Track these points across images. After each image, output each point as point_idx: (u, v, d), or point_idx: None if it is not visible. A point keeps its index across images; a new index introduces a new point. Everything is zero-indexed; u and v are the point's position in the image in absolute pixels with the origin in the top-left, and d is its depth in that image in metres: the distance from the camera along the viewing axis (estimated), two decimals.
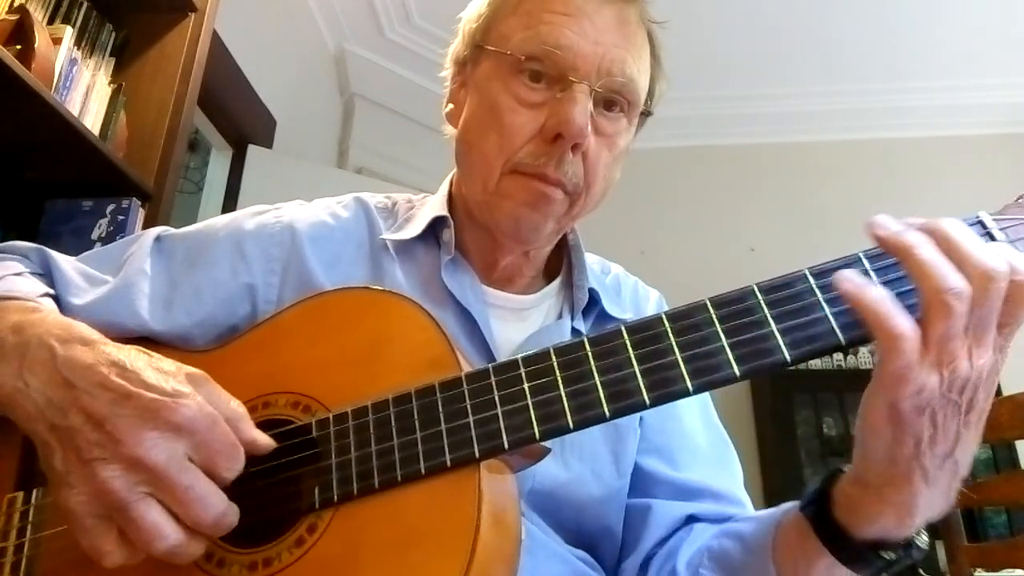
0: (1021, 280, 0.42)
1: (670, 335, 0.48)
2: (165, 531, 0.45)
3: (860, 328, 0.44)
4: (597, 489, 0.70)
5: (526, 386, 0.50)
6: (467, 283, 0.73)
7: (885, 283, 0.45)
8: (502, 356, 0.68)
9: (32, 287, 0.64)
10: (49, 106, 1.28)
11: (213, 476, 0.47)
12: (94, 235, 1.48)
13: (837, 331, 0.45)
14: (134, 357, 0.49)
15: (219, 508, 0.46)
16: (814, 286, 0.47)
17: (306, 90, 3.09)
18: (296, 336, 0.60)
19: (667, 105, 0.78)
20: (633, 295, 0.86)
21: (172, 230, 0.76)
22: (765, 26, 3.06)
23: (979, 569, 1.44)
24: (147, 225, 1.49)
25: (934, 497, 0.46)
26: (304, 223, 0.75)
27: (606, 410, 0.47)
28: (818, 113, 3.49)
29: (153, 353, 0.51)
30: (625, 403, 0.47)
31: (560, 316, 0.78)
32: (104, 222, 1.49)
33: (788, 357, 0.46)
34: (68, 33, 1.43)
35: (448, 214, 0.76)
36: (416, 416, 0.51)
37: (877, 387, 0.44)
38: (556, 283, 0.80)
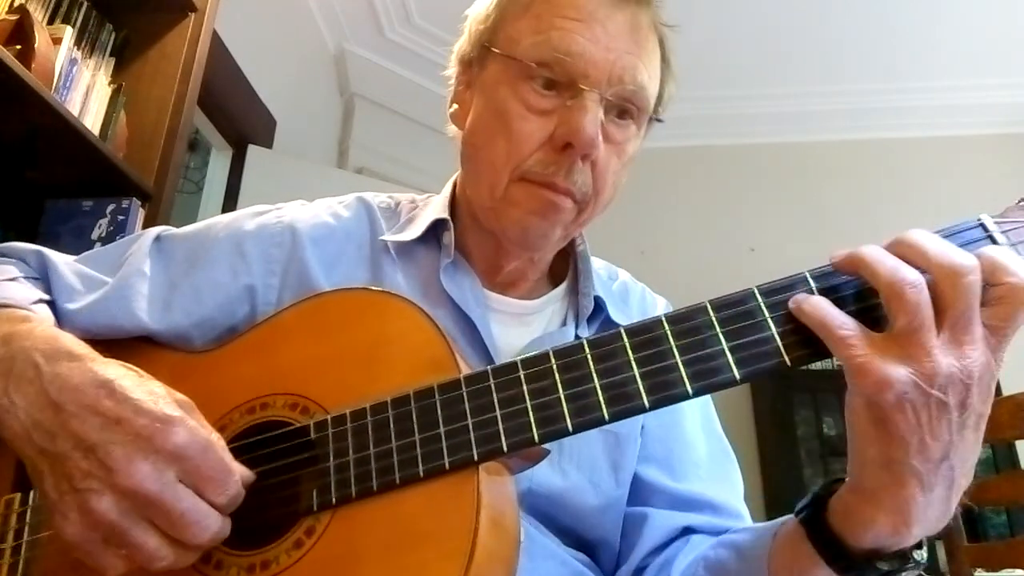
0: (1015, 281, 0.42)
1: (670, 338, 0.48)
2: (163, 552, 0.46)
3: None
4: (595, 499, 0.69)
5: (525, 389, 0.49)
6: (467, 286, 0.73)
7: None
8: (502, 360, 0.68)
9: (26, 293, 0.64)
10: (49, 106, 1.28)
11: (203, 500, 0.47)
12: (94, 235, 1.48)
13: None
14: (122, 375, 0.49)
15: (214, 529, 0.47)
16: (815, 289, 0.47)
17: (306, 90, 3.09)
18: (295, 337, 0.60)
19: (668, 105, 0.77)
20: (640, 302, 0.85)
21: (172, 230, 0.76)
22: (765, 26, 3.06)
23: (979, 569, 1.44)
24: (147, 225, 1.48)
25: (930, 504, 0.45)
26: (305, 223, 0.74)
27: (605, 413, 0.47)
28: (818, 113, 3.49)
29: (142, 372, 0.51)
30: (624, 406, 0.47)
31: (564, 323, 0.77)
32: (104, 222, 1.48)
33: (788, 360, 0.46)
34: (68, 33, 1.43)
35: (449, 216, 0.76)
36: (415, 418, 0.51)
37: (849, 386, 0.45)
38: (561, 288, 0.79)
